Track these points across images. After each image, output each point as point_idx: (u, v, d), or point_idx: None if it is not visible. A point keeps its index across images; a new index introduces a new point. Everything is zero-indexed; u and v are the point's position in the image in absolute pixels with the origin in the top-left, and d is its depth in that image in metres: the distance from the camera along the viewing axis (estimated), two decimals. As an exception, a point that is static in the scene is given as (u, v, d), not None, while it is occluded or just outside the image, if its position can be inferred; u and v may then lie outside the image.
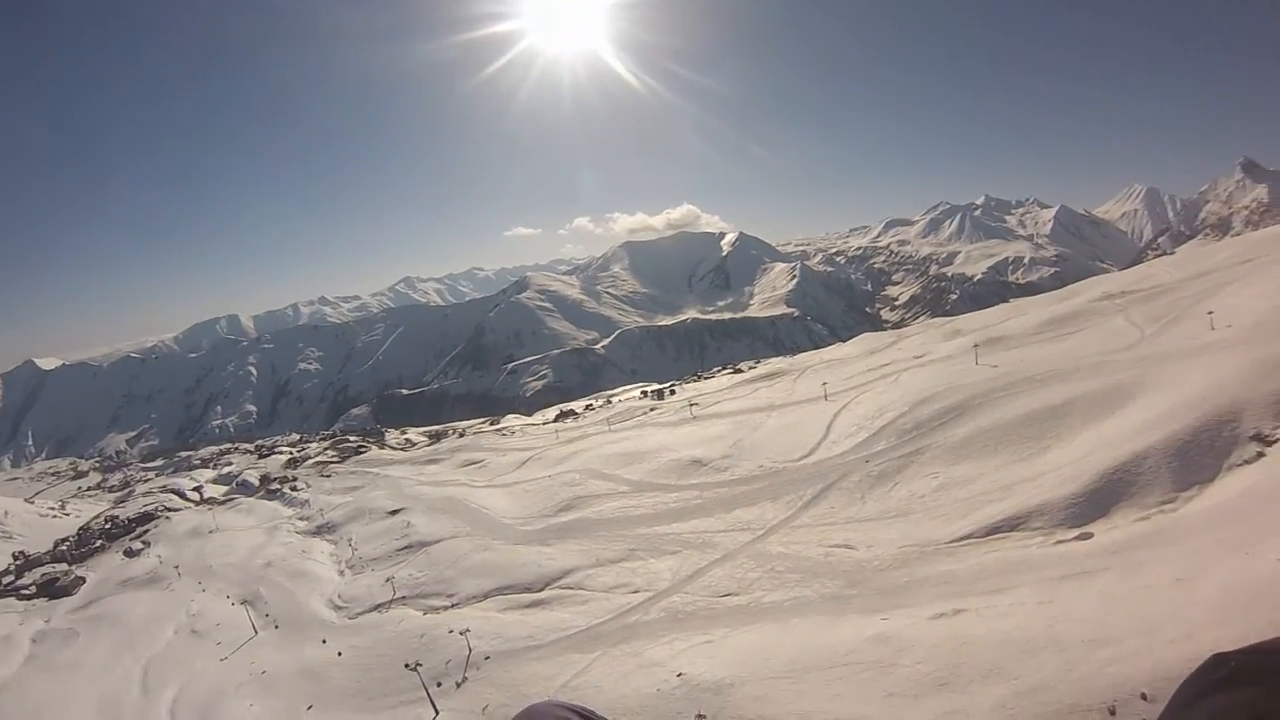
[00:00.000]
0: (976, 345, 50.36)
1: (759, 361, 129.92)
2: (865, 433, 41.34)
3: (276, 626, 41.20)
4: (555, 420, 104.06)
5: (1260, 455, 24.22)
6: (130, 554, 67.57)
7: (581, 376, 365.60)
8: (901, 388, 47.52)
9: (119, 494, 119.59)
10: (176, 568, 58.64)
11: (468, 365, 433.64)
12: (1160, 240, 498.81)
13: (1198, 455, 25.00)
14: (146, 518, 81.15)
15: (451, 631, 31.58)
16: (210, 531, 70.06)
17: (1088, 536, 22.57)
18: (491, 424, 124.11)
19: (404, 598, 38.47)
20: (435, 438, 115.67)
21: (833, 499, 33.70)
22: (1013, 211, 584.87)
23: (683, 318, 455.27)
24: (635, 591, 29.31)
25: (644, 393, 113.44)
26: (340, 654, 33.65)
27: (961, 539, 24.61)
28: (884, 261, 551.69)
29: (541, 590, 33.19)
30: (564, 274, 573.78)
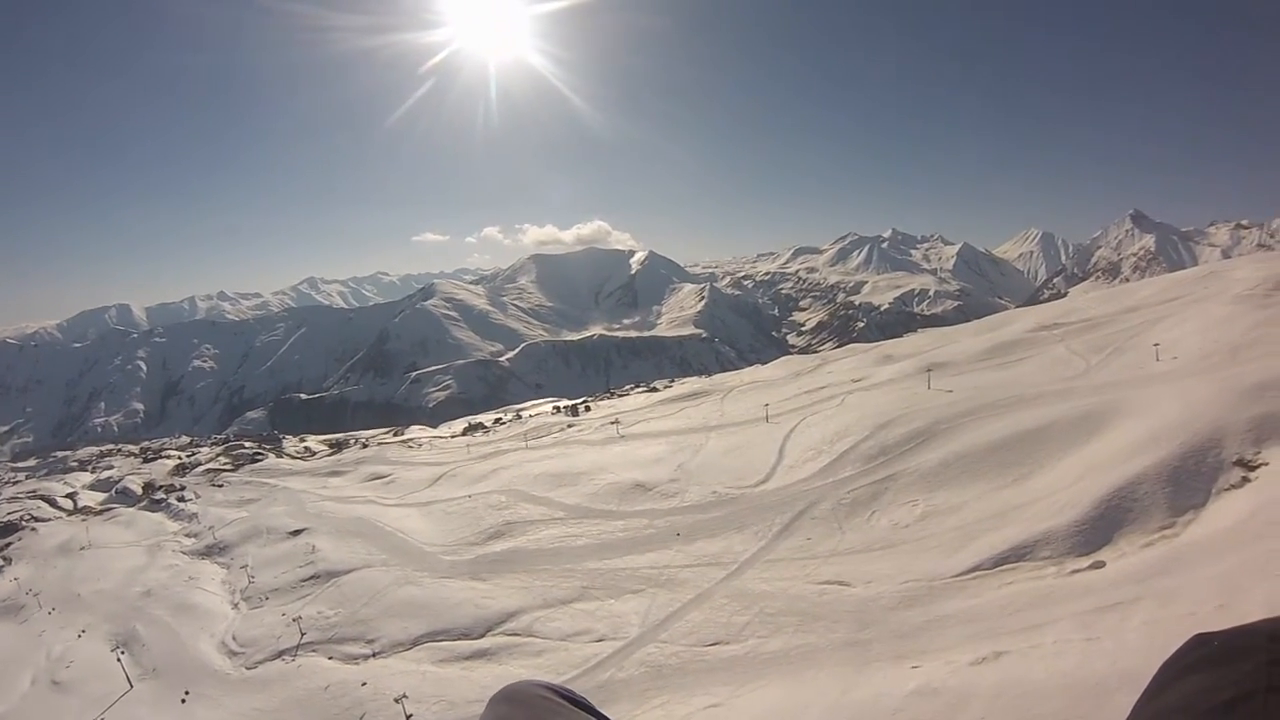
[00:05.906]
0: (929, 369, 51.73)
1: (673, 381, 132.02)
2: (826, 457, 41.23)
3: (179, 684, 35.61)
4: (464, 434, 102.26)
5: (1246, 480, 25.55)
6: (-15, 573, 60.36)
7: (485, 389, 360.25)
8: (854, 411, 48.02)
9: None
10: (38, 595, 52.22)
11: (370, 372, 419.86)
12: (1055, 281, 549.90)
13: (1188, 480, 26.09)
14: (9, 528, 75.03)
15: (365, 685, 28.32)
16: (82, 548, 63.81)
17: (1100, 565, 22.79)
18: (395, 435, 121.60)
19: (313, 642, 34.33)
20: (337, 447, 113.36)
21: (807, 529, 32.99)
22: (918, 246, 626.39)
23: (589, 334, 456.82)
24: (600, 640, 26.97)
25: (557, 408, 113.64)
26: None
27: (967, 571, 24.33)
28: (792, 287, 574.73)
29: (483, 637, 30.16)
30: (471, 283, 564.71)
